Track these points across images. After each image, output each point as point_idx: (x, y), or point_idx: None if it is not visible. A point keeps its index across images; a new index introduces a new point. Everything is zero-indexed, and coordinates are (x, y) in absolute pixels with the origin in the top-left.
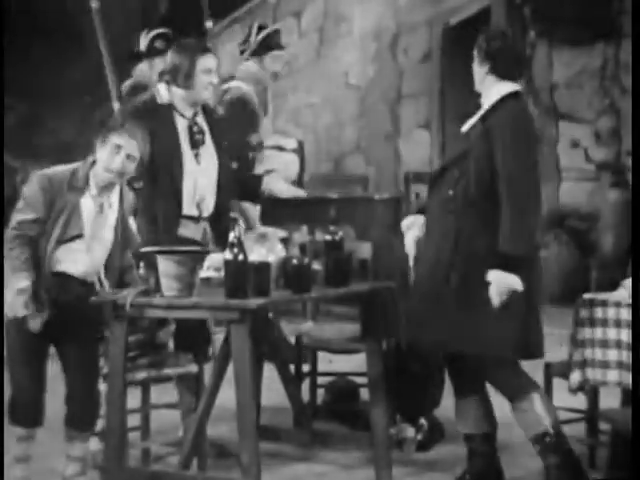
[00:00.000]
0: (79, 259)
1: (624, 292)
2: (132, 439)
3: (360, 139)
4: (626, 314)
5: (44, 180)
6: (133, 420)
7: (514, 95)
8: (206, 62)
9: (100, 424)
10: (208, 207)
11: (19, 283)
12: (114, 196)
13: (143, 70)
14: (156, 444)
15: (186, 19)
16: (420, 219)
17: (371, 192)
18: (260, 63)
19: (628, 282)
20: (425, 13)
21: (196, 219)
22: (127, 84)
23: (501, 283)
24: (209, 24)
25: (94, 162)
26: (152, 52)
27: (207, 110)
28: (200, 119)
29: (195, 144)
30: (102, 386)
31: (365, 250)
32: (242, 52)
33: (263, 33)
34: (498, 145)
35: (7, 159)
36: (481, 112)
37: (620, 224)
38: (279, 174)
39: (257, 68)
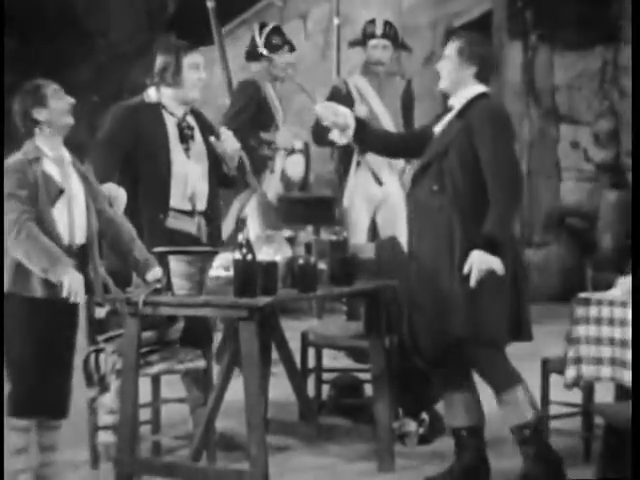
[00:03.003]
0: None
1: (618, 292)
2: (143, 432)
3: None
4: (619, 313)
5: None
6: (144, 414)
7: (484, 95)
8: (193, 58)
9: (114, 418)
10: (201, 202)
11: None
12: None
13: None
14: (166, 437)
15: (193, 21)
16: None
17: None
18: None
19: (622, 281)
20: (428, 16)
21: (190, 213)
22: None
23: (482, 262)
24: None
25: None
26: (271, 49)
27: (196, 113)
28: (190, 118)
29: (184, 138)
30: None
31: (368, 249)
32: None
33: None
34: (480, 138)
35: None
36: (455, 110)
37: (618, 224)
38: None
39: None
